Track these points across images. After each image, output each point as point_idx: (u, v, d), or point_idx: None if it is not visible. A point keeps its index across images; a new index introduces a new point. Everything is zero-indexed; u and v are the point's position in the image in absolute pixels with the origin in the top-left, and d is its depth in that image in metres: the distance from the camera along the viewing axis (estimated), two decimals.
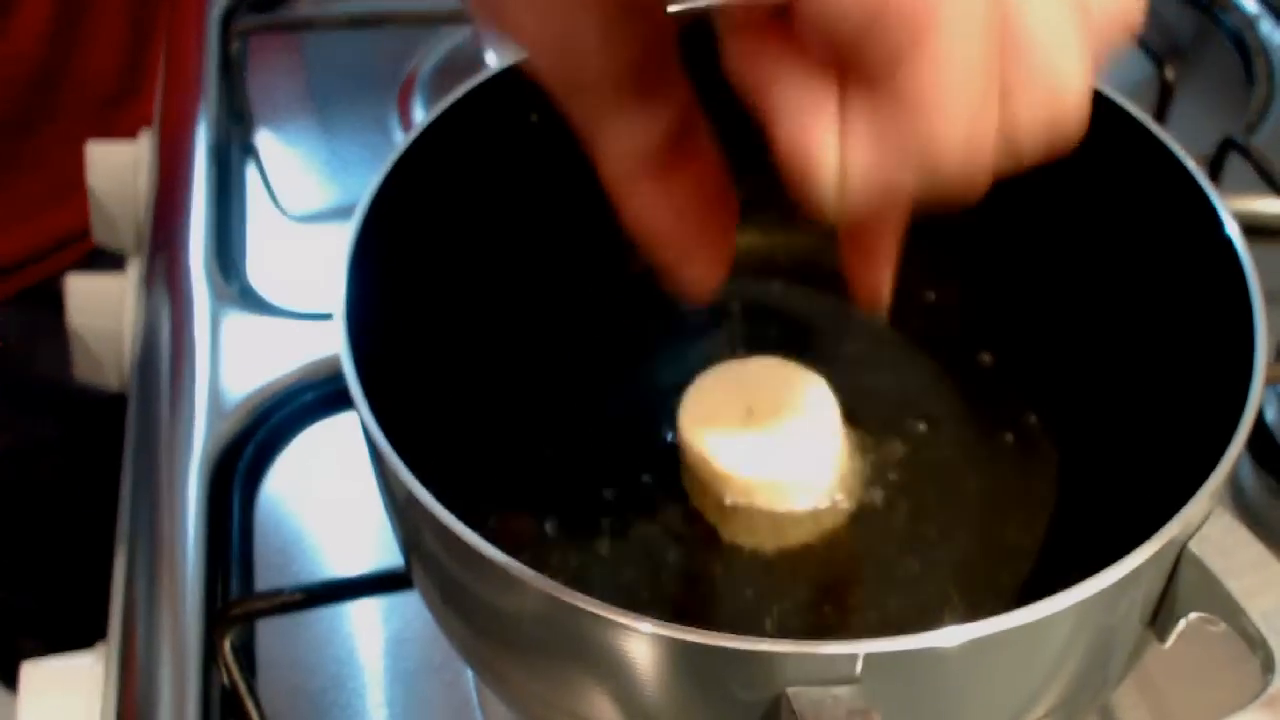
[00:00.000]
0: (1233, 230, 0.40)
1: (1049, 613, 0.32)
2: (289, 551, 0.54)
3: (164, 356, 0.59)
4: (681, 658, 0.32)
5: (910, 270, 0.50)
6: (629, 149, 0.31)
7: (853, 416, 0.46)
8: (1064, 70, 0.27)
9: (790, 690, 0.31)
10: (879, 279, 0.34)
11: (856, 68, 0.26)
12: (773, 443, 0.43)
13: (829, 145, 0.26)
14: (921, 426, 0.46)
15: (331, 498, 0.56)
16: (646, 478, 0.44)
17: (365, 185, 0.42)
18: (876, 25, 0.25)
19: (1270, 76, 0.75)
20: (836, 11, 0.25)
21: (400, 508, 0.37)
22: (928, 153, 0.26)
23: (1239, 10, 0.80)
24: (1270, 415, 0.57)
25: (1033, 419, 0.46)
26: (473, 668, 0.46)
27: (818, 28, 0.26)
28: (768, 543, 0.42)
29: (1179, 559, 0.34)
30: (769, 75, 0.27)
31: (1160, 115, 0.67)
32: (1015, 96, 0.27)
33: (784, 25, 0.27)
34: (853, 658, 0.31)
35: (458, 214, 0.48)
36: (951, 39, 0.25)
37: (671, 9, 0.50)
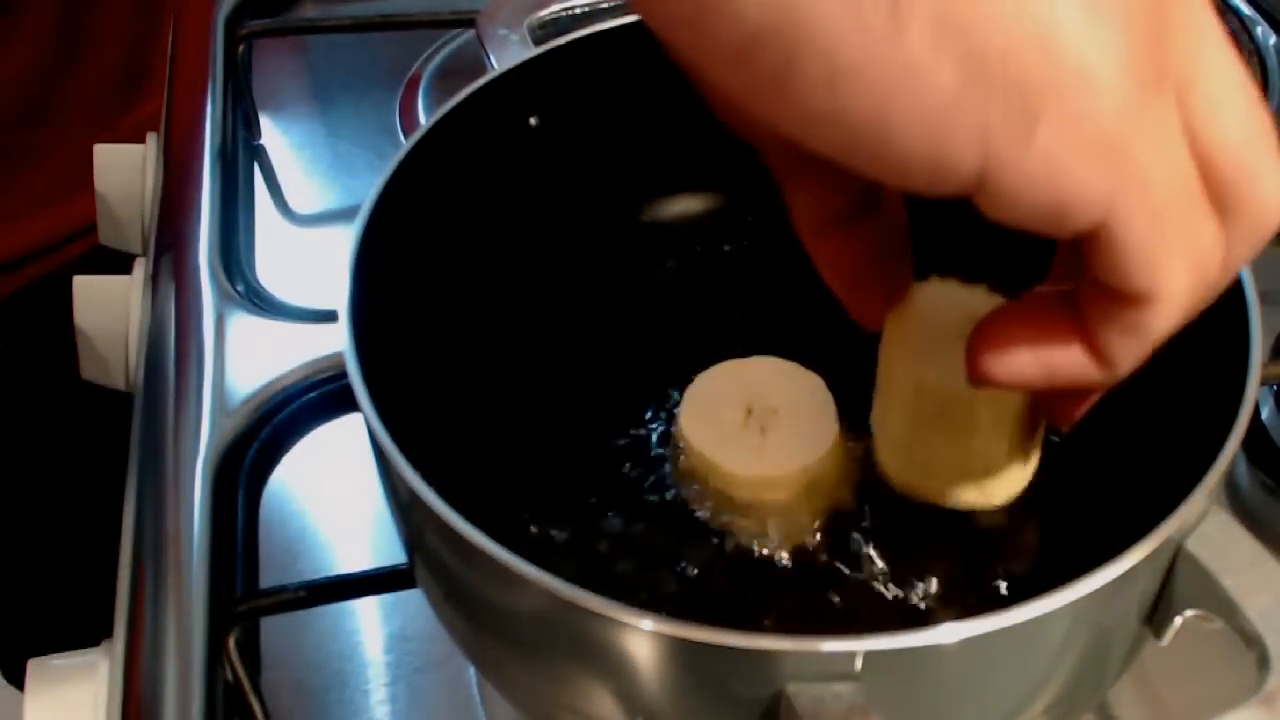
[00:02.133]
0: None
1: (1046, 611, 0.32)
2: (293, 549, 0.54)
3: (170, 356, 0.59)
4: (682, 655, 0.33)
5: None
6: (821, 208, 0.34)
7: (851, 415, 0.46)
8: (1268, 189, 0.28)
9: (790, 687, 0.31)
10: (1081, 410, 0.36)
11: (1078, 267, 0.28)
12: (772, 441, 0.43)
13: (1082, 363, 0.30)
14: None
15: (335, 496, 0.56)
16: (647, 476, 0.45)
17: (369, 186, 0.43)
18: (1060, 210, 0.26)
19: (1266, 80, 0.76)
20: (1017, 207, 0.27)
21: (404, 505, 0.38)
22: (1163, 306, 0.28)
23: (1235, 14, 0.81)
24: (1266, 414, 0.57)
25: None
26: (475, 665, 0.47)
27: (1005, 217, 0.27)
28: (767, 540, 0.43)
29: (1176, 557, 0.35)
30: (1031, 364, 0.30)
31: None
32: (1229, 231, 0.28)
33: None
34: (852, 654, 0.31)
35: (461, 215, 0.48)
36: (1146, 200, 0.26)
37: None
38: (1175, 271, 0.27)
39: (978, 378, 0.31)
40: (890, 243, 0.35)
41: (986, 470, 0.39)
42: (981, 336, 0.31)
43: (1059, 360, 0.30)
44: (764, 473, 0.43)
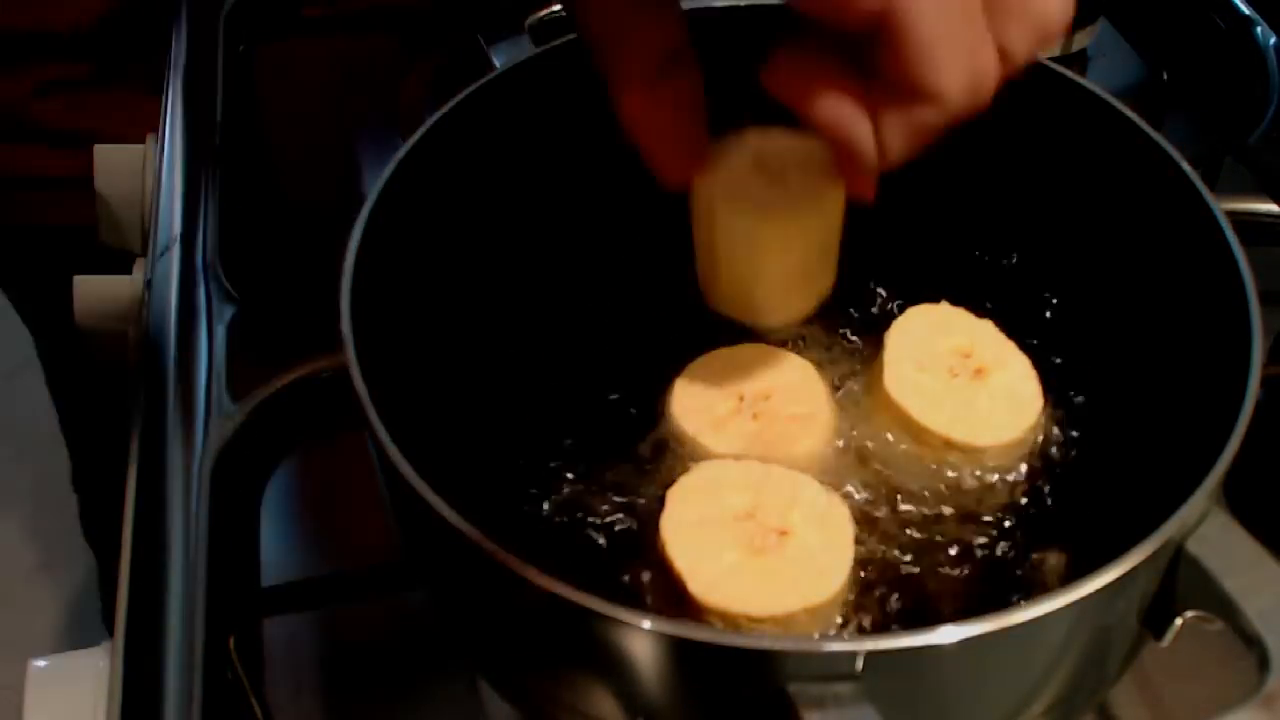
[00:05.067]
0: (1228, 232, 0.40)
1: (1046, 611, 0.32)
2: (293, 549, 0.54)
3: (170, 356, 0.59)
4: (684, 655, 0.33)
5: (908, 274, 0.51)
6: (639, 56, 0.37)
7: (841, 397, 0.46)
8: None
9: (791, 686, 0.32)
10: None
11: (863, 57, 0.32)
12: (765, 427, 0.44)
13: (866, 131, 0.33)
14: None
15: (335, 496, 0.56)
16: (644, 469, 0.45)
17: (370, 185, 0.43)
18: (847, 9, 0.31)
19: (1266, 79, 0.76)
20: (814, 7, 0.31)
21: (404, 504, 0.38)
22: (941, 104, 0.32)
23: (1235, 14, 0.81)
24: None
25: None
26: (475, 664, 0.47)
27: (813, 21, 0.31)
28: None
29: (1176, 558, 0.35)
30: (806, 87, 0.34)
31: (1158, 118, 0.67)
32: (1005, 26, 0.32)
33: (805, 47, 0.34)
34: (853, 655, 0.31)
35: (460, 214, 0.48)
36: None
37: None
38: (954, 74, 0.31)
39: (768, 77, 0.34)
40: (695, 102, 0.38)
41: (785, 291, 0.43)
42: (789, 56, 0.34)
43: (844, 116, 0.33)
44: (764, 455, 0.43)
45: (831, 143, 0.34)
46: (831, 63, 0.33)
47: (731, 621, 0.38)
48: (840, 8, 0.31)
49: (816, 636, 0.38)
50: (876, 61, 0.32)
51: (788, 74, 0.34)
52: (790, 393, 0.45)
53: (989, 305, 0.48)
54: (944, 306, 0.47)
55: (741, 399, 0.44)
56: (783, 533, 0.40)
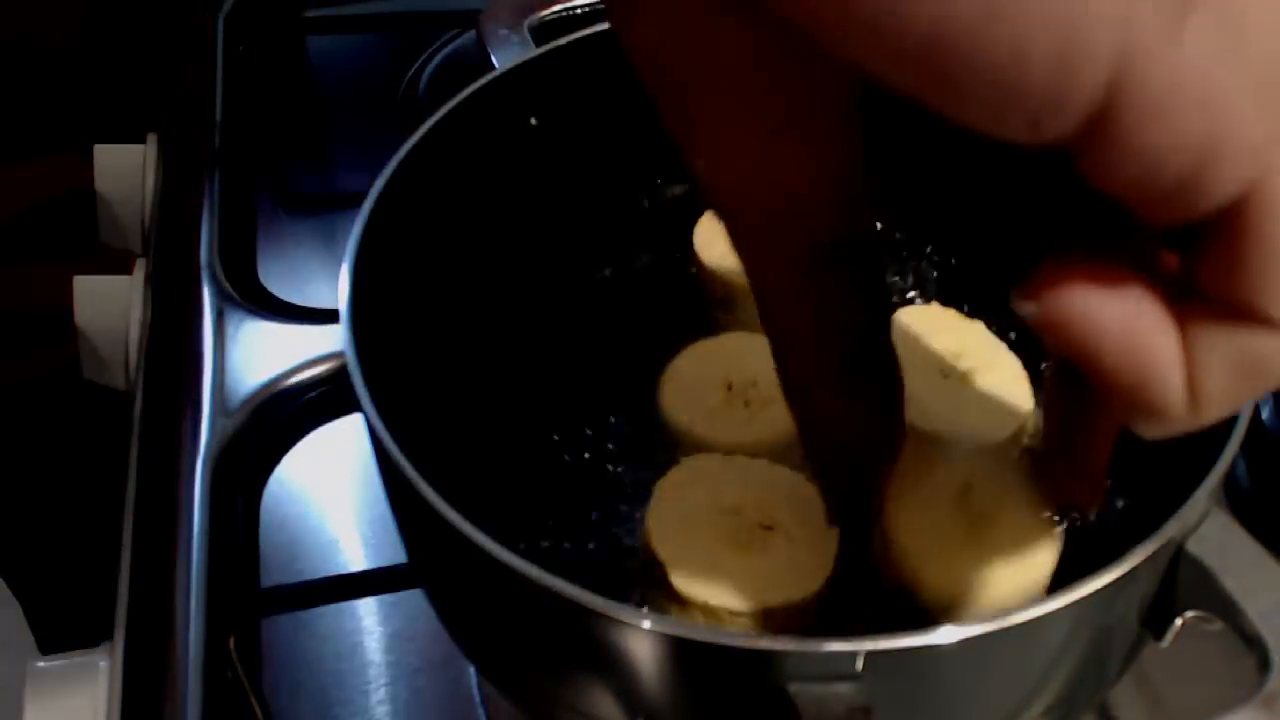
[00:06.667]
0: None
1: (1046, 611, 0.32)
2: (293, 549, 0.54)
3: (170, 356, 0.59)
4: (684, 655, 0.33)
5: (899, 274, 0.51)
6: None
7: None
8: None
9: (792, 687, 0.31)
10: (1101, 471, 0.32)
11: (1193, 260, 0.22)
12: (758, 412, 0.44)
13: (1173, 372, 0.22)
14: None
15: (335, 496, 0.56)
16: (637, 463, 0.44)
17: (369, 186, 0.43)
18: (1203, 155, 0.20)
19: None
20: (1146, 143, 0.20)
21: (404, 505, 0.38)
22: None
23: None
24: (1266, 414, 0.57)
25: None
26: (475, 665, 0.47)
27: (1126, 182, 0.21)
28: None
29: (1177, 558, 0.35)
30: (1097, 309, 0.22)
31: None
32: None
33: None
34: (853, 655, 0.31)
35: (460, 214, 0.48)
36: None
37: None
38: None
39: (1030, 295, 0.24)
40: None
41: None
42: (1065, 267, 0.24)
43: (1144, 349, 0.22)
44: (758, 440, 0.43)
45: (1121, 388, 0.22)
46: (1126, 275, 0.23)
47: (713, 614, 0.38)
48: (1199, 164, 0.20)
49: (816, 636, 0.38)
50: (1199, 267, 0.21)
51: (1068, 291, 0.23)
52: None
53: (981, 306, 0.48)
54: (934, 307, 0.47)
55: (730, 387, 0.44)
56: (768, 528, 0.40)
